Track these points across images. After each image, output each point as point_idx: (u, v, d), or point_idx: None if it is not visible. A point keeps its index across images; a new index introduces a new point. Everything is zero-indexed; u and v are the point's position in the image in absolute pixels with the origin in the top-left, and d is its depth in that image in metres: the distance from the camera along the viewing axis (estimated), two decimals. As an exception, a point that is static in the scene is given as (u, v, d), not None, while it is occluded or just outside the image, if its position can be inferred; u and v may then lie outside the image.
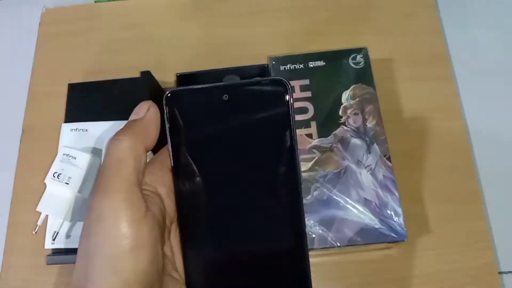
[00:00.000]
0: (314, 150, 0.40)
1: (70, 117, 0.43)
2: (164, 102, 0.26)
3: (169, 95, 0.26)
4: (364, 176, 0.39)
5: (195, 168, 0.26)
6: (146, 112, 0.25)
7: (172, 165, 0.26)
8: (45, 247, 0.40)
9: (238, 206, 0.25)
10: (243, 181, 0.25)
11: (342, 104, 0.41)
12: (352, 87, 0.42)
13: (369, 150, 0.40)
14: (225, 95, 0.25)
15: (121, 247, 0.21)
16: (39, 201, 0.39)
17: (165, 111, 0.25)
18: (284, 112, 0.25)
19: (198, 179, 0.26)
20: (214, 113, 0.25)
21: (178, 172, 0.26)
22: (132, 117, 0.25)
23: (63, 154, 0.40)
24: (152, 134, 0.25)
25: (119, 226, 0.21)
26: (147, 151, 0.24)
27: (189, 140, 0.25)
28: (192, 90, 0.26)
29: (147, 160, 0.26)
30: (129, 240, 0.21)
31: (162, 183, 0.25)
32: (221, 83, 0.26)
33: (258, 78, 0.26)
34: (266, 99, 0.25)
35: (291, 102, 0.25)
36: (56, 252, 0.40)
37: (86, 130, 0.42)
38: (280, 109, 0.25)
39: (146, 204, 0.22)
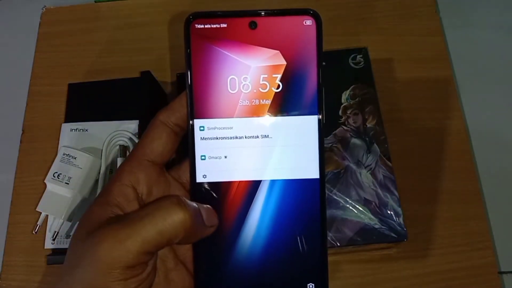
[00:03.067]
0: (314, 150, 0.40)
1: (70, 117, 0.44)
2: (185, 25, 0.24)
3: (191, 17, 0.24)
4: (364, 176, 0.39)
5: (215, 104, 0.24)
6: (211, 226, 0.23)
7: (189, 99, 0.24)
8: (45, 247, 0.40)
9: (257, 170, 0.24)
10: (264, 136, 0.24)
11: (342, 104, 0.41)
12: (352, 87, 0.42)
13: (369, 150, 0.40)
14: (252, 22, 0.24)
15: None
16: (39, 201, 0.40)
17: (186, 37, 0.24)
18: (312, 44, 0.24)
19: (217, 119, 0.24)
20: (239, 41, 0.24)
21: (196, 109, 0.24)
22: (208, 219, 0.23)
23: (63, 154, 0.40)
24: (189, 238, 0.22)
25: (89, 278, 0.20)
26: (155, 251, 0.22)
27: (210, 71, 0.24)
28: (216, 14, 0.24)
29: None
30: None
31: (142, 181, 0.24)
32: (249, 10, 0.24)
33: (288, 9, 0.24)
34: (294, 29, 0.24)
35: (321, 33, 0.24)
36: (56, 252, 0.40)
37: (86, 130, 0.42)
38: (309, 40, 0.24)
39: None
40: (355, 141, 0.40)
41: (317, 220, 0.24)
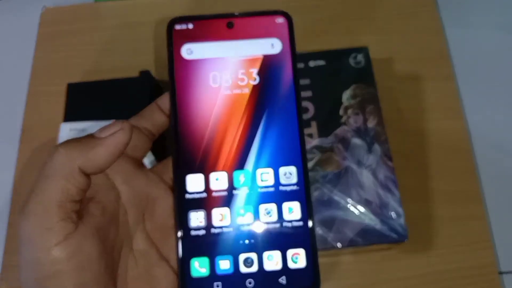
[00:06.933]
0: (314, 150, 0.40)
1: (70, 116, 0.43)
2: (167, 29, 0.26)
3: (172, 21, 0.26)
4: (365, 176, 0.39)
5: (199, 103, 0.25)
6: (111, 135, 0.22)
7: (172, 95, 0.25)
8: (45, 247, 0.40)
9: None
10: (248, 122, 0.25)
11: (342, 103, 0.41)
12: (352, 86, 0.42)
13: (369, 150, 0.40)
14: (229, 22, 0.26)
15: (38, 273, 0.20)
16: (39, 201, 0.39)
17: (168, 39, 0.26)
18: (285, 39, 0.26)
19: (200, 118, 0.25)
20: (217, 41, 0.25)
21: (179, 104, 0.25)
22: (97, 132, 0.22)
23: (63, 154, 0.40)
24: (101, 160, 0.21)
25: (33, 253, 0.20)
26: (90, 174, 0.22)
27: (192, 72, 0.25)
28: (196, 17, 0.26)
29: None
30: (43, 267, 0.20)
31: (116, 169, 0.23)
32: (225, 13, 0.26)
33: (261, 10, 0.27)
34: (268, 27, 0.26)
35: (293, 30, 0.26)
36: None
37: (85, 130, 0.42)
38: (282, 36, 0.26)
39: (73, 224, 0.20)
40: (356, 141, 0.40)
41: (305, 224, 0.24)
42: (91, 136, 0.22)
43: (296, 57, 0.26)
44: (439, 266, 0.40)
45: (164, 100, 0.26)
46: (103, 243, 0.21)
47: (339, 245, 0.37)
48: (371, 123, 0.40)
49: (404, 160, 0.41)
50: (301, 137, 0.25)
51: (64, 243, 0.20)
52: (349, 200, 0.38)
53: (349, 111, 0.41)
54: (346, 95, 0.41)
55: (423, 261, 0.40)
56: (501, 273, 0.41)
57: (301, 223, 0.24)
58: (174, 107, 0.25)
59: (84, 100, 0.44)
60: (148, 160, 0.39)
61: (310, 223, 0.24)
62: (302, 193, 0.25)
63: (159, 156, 0.38)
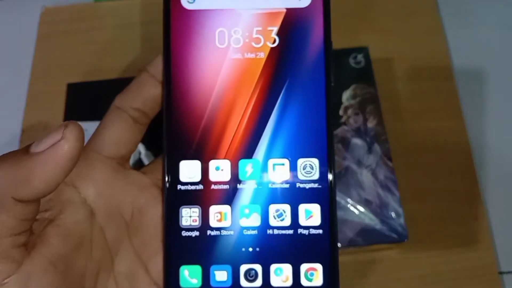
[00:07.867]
0: (314, 150, 0.40)
1: (70, 117, 0.43)
2: None
3: None
4: (365, 176, 0.39)
5: (199, 63, 0.20)
6: (51, 147, 0.16)
7: (165, 58, 0.20)
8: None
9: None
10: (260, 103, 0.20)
11: (342, 103, 0.41)
12: (352, 86, 0.42)
13: (369, 150, 0.40)
14: None
15: None
16: (39, 201, 0.39)
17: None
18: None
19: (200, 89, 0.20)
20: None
21: (174, 67, 0.20)
22: (34, 144, 0.16)
23: (63, 154, 0.40)
24: (38, 184, 0.16)
25: None
26: (29, 201, 0.17)
27: (193, 27, 0.20)
28: None
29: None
30: None
31: (88, 179, 0.19)
32: None
33: None
34: None
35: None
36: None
37: (86, 130, 0.42)
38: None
39: (14, 263, 0.16)
40: (356, 141, 0.40)
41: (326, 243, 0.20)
42: (25, 151, 0.16)
43: (330, 13, 0.20)
44: (439, 266, 0.40)
45: (158, 66, 0.21)
46: (64, 274, 0.17)
47: (339, 245, 0.37)
48: (371, 123, 0.41)
49: (404, 160, 0.41)
50: (329, 122, 0.20)
51: (13, 279, 0.16)
52: (349, 200, 0.38)
53: (349, 111, 0.41)
54: (346, 95, 0.41)
55: (423, 261, 0.40)
56: (501, 273, 0.40)
57: (320, 231, 0.20)
58: (167, 72, 0.20)
59: (84, 100, 0.44)
60: (145, 156, 0.39)
61: (332, 232, 0.20)
62: (325, 194, 0.20)
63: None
